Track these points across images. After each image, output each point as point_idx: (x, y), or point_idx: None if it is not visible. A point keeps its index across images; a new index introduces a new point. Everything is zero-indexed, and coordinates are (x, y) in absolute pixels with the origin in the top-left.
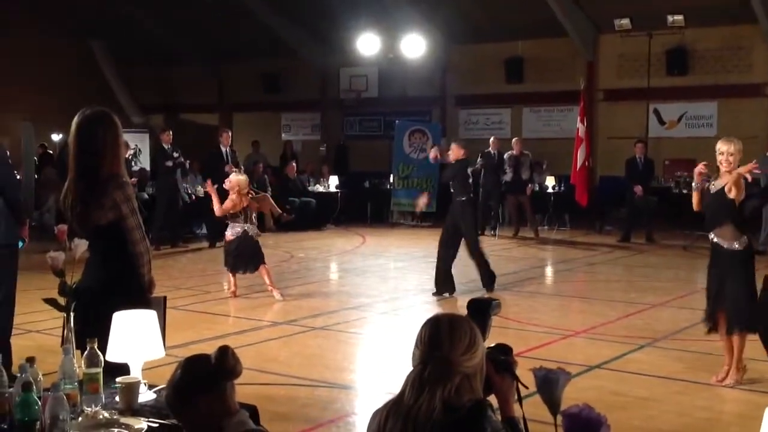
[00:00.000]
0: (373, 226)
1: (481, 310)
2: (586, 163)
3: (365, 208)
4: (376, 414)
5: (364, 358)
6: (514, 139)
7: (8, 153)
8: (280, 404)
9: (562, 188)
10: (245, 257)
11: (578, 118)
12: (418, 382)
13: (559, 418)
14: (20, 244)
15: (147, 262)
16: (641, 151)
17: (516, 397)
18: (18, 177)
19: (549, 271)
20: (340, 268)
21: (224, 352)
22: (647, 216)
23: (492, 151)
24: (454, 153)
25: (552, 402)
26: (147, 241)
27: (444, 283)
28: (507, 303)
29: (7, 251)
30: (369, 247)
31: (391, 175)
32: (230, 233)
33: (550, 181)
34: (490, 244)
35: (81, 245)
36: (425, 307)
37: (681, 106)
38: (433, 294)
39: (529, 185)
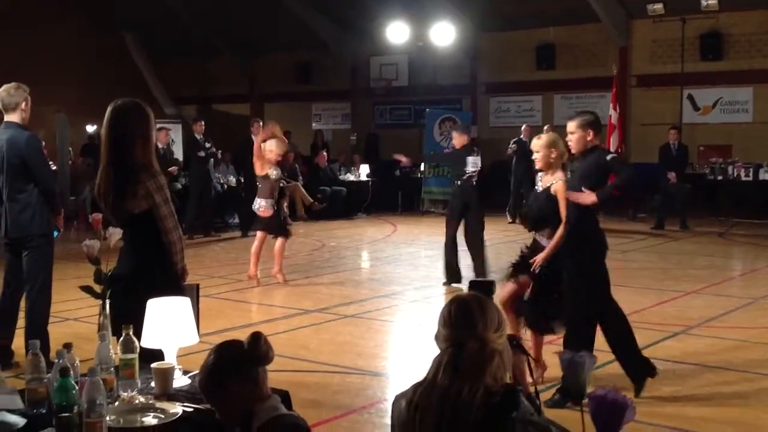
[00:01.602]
0: (403, 215)
1: (485, 292)
2: (619, 150)
3: (396, 197)
4: (401, 398)
5: (395, 345)
6: (545, 127)
7: (43, 144)
8: (312, 391)
9: None
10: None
11: (611, 105)
12: (453, 364)
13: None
14: (55, 233)
15: (180, 251)
16: (675, 138)
17: (529, 371)
18: (54, 168)
19: None
20: (372, 256)
21: (257, 337)
22: (681, 203)
23: (524, 139)
24: (458, 140)
25: (578, 385)
26: (180, 230)
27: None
28: None
29: (43, 240)
30: (400, 235)
31: (422, 164)
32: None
33: None
34: (521, 231)
35: (116, 233)
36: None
37: (716, 92)
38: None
39: None
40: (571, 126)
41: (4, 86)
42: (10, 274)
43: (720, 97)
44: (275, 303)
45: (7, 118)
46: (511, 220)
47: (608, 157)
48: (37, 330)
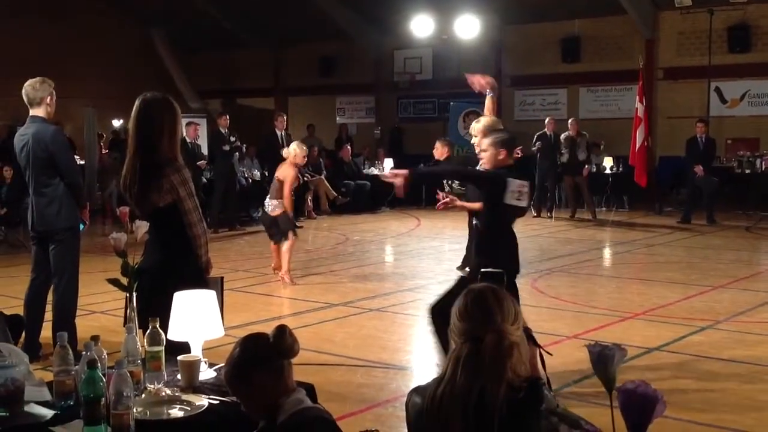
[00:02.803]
0: (428, 209)
1: (496, 282)
2: (646, 143)
3: (420, 191)
4: (417, 394)
5: (419, 339)
6: (570, 120)
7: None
8: (336, 385)
9: (621, 169)
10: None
11: (637, 98)
12: (472, 359)
13: (615, 394)
14: (81, 226)
15: (204, 244)
16: (702, 131)
17: (540, 362)
18: (81, 162)
19: (607, 252)
20: (396, 250)
21: (282, 331)
22: (708, 196)
23: (548, 132)
24: (439, 152)
25: (607, 378)
26: (204, 224)
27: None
28: (564, 285)
29: (69, 233)
30: (424, 229)
31: None
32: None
33: (608, 162)
34: (546, 225)
35: (142, 227)
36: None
37: (743, 84)
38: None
39: (586, 166)
40: (484, 143)
41: (30, 81)
42: (37, 265)
43: (748, 90)
44: (299, 297)
45: (33, 112)
46: (535, 214)
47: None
48: (65, 322)
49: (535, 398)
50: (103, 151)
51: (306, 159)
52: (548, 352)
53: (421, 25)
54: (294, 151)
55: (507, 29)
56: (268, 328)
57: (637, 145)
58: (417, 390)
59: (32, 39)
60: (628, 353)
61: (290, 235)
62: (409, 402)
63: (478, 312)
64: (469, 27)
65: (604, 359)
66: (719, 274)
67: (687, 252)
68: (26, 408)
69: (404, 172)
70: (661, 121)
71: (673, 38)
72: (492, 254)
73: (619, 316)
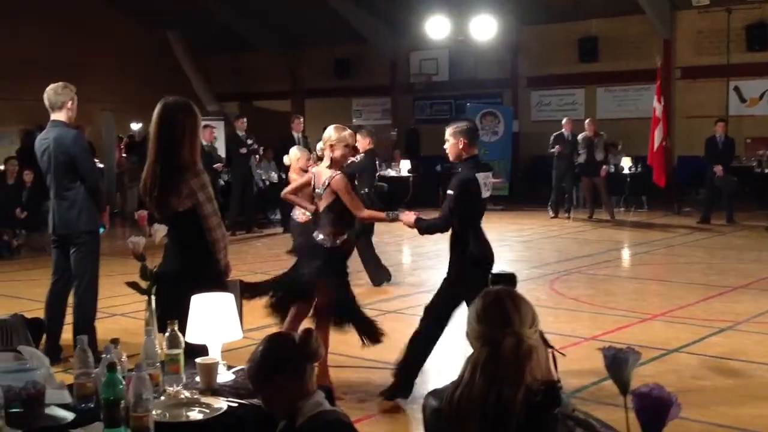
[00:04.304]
0: None
1: (508, 285)
2: (664, 143)
3: (437, 192)
4: (433, 397)
5: (443, 339)
6: (586, 120)
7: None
8: (354, 387)
9: (639, 169)
10: None
11: (655, 98)
12: (491, 363)
13: (629, 397)
14: (101, 229)
15: (223, 248)
16: (722, 130)
17: (553, 363)
18: (101, 165)
19: (625, 253)
20: (413, 252)
21: (309, 335)
22: (728, 196)
23: (565, 133)
24: (361, 144)
25: (621, 381)
26: (223, 227)
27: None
28: (582, 286)
29: (89, 237)
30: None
31: None
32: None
33: (626, 162)
34: (564, 226)
35: (161, 230)
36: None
37: (763, 83)
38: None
39: (604, 167)
40: (447, 133)
41: (51, 85)
42: (58, 268)
43: (767, 89)
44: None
45: (54, 116)
46: (553, 215)
47: (457, 177)
48: (85, 325)
49: (553, 402)
50: (122, 155)
51: (309, 162)
52: (561, 353)
53: (436, 27)
54: (295, 156)
55: (524, 30)
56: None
57: (656, 145)
58: (434, 393)
59: (50, 44)
60: (646, 355)
61: None
62: (426, 405)
63: (495, 315)
64: (485, 28)
65: (618, 363)
66: (739, 274)
67: (706, 252)
68: (47, 410)
69: (411, 221)
70: (680, 121)
71: (691, 37)
72: (468, 248)
73: (638, 317)
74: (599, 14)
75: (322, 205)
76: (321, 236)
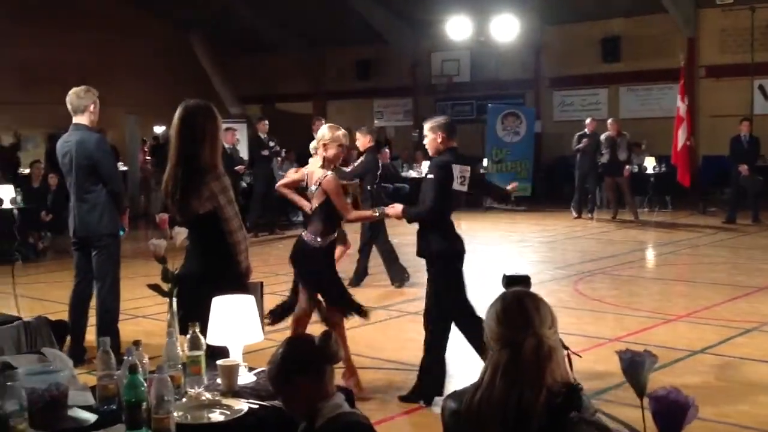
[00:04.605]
0: (466, 211)
1: (522, 285)
2: (688, 143)
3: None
4: (452, 399)
5: (458, 342)
6: (609, 120)
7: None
8: (375, 388)
9: (663, 169)
10: None
11: (678, 97)
12: (511, 365)
13: (646, 400)
14: (121, 232)
15: (244, 251)
16: (747, 129)
17: (569, 365)
18: (125, 168)
19: (650, 254)
20: None
21: (328, 336)
22: (753, 196)
23: (588, 133)
24: (361, 143)
25: (638, 385)
26: (244, 230)
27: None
28: (606, 287)
29: (110, 239)
30: (464, 231)
31: (485, 159)
32: None
33: (650, 162)
34: (587, 227)
35: (181, 233)
36: (530, 291)
37: None
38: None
39: (627, 167)
40: (425, 129)
41: (74, 89)
42: (80, 270)
43: None
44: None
45: (76, 120)
46: (576, 216)
47: (433, 161)
48: (108, 327)
49: (574, 404)
50: (146, 158)
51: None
52: (578, 354)
53: (458, 27)
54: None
55: (546, 30)
56: (308, 332)
57: (679, 145)
58: (453, 395)
59: (73, 47)
60: (670, 356)
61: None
62: (445, 407)
63: (515, 317)
64: (507, 28)
65: (635, 366)
66: (765, 274)
67: (732, 253)
68: (70, 412)
69: (399, 212)
70: (704, 120)
71: (714, 36)
72: (437, 239)
73: (662, 318)
74: (622, 13)
75: (314, 203)
76: (309, 236)
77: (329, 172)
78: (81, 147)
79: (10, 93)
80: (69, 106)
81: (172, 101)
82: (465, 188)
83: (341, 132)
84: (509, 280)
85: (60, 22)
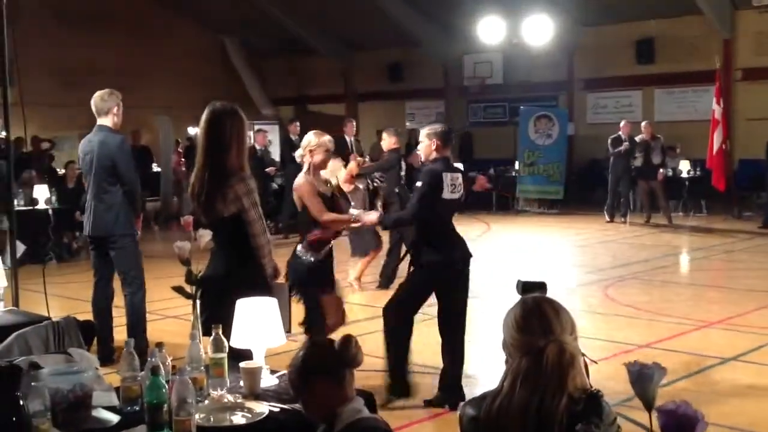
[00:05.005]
0: (498, 214)
1: (539, 291)
2: (723, 146)
3: (490, 195)
4: (470, 406)
5: (484, 346)
6: (643, 123)
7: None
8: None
9: (698, 172)
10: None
11: (714, 99)
12: (533, 372)
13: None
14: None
15: (267, 254)
16: None
17: (585, 370)
18: (158, 169)
19: (683, 259)
20: None
21: (348, 341)
22: None
23: (622, 136)
24: (386, 143)
25: (646, 397)
26: (267, 234)
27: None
28: (637, 292)
29: (127, 240)
30: (493, 234)
31: (517, 162)
32: None
33: (684, 166)
34: (620, 231)
35: (205, 235)
36: (552, 296)
37: None
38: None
39: (661, 170)
40: (421, 134)
41: (98, 92)
42: (98, 270)
43: None
44: (367, 302)
45: (100, 121)
46: (609, 219)
47: (424, 169)
48: (134, 326)
49: (593, 411)
50: (181, 160)
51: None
52: (593, 361)
53: (491, 29)
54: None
55: (579, 31)
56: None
57: (715, 148)
58: (471, 402)
59: (109, 49)
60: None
61: (371, 251)
62: (463, 414)
63: (536, 324)
64: (541, 29)
65: (643, 378)
66: None
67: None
68: (94, 413)
69: (374, 220)
70: (740, 123)
71: (751, 38)
72: (429, 250)
73: (694, 324)
74: (657, 15)
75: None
76: (301, 248)
77: (303, 176)
78: (103, 147)
79: (47, 94)
80: (93, 108)
81: (206, 103)
82: (457, 196)
83: (327, 138)
84: (525, 287)
85: (97, 25)
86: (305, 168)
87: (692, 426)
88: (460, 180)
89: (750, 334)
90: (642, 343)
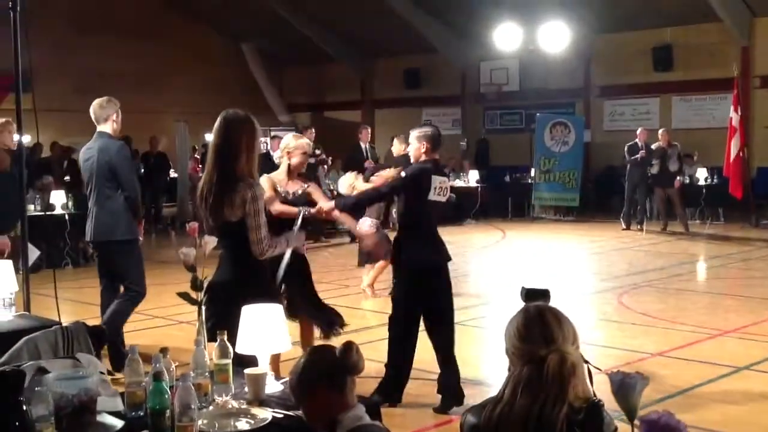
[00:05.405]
0: (513, 221)
1: (542, 299)
2: (741, 154)
3: (506, 203)
4: (471, 414)
5: (496, 354)
6: (660, 130)
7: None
8: (411, 398)
9: (715, 180)
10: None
11: (732, 107)
12: (534, 381)
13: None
14: None
15: (267, 256)
16: None
17: (589, 378)
18: (175, 175)
19: (699, 267)
20: (478, 262)
21: (349, 347)
22: None
23: (639, 143)
24: (396, 149)
25: (628, 407)
26: (265, 242)
27: None
28: (652, 300)
29: (128, 246)
30: (509, 241)
31: (533, 169)
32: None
33: (701, 173)
34: (636, 239)
35: (210, 242)
36: (566, 304)
37: None
38: None
39: (678, 178)
40: (411, 136)
41: (96, 100)
42: (102, 276)
43: None
44: (380, 309)
45: (100, 128)
46: (625, 227)
47: (403, 173)
48: (113, 328)
49: (595, 420)
50: (198, 165)
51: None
52: (598, 369)
53: (507, 36)
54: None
55: (596, 38)
56: (338, 341)
57: (732, 156)
58: (472, 410)
59: (127, 56)
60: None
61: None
62: (464, 422)
63: (538, 332)
64: (557, 36)
65: (625, 388)
66: None
67: None
68: (98, 418)
69: (330, 205)
70: (758, 131)
71: None
72: (416, 250)
73: (708, 333)
74: (674, 22)
75: None
76: None
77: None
78: (102, 153)
79: (66, 100)
80: (92, 116)
81: (223, 109)
82: (443, 199)
83: (305, 141)
84: (528, 294)
85: (116, 32)
86: (284, 169)
87: None
88: (447, 184)
89: (765, 343)
90: (655, 351)
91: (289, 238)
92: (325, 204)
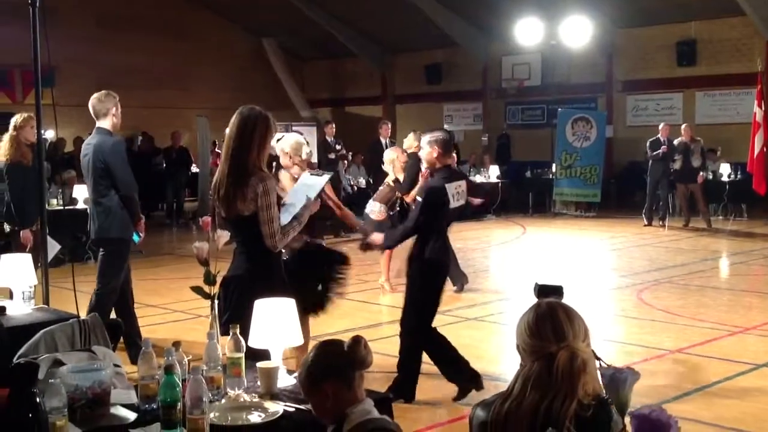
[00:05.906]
0: (534, 216)
1: (556, 295)
2: (765, 150)
3: (527, 198)
4: (481, 408)
5: (515, 350)
6: (683, 126)
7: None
8: (429, 393)
9: (739, 176)
10: None
11: (755, 102)
12: (544, 377)
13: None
14: (135, 238)
15: (279, 247)
16: None
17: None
18: (196, 170)
19: (721, 263)
20: (498, 258)
21: (357, 342)
22: None
23: (661, 138)
24: (407, 146)
25: (619, 402)
26: (276, 238)
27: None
28: (672, 297)
29: (122, 245)
30: (529, 237)
31: (554, 165)
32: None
33: (725, 169)
34: (657, 235)
35: (223, 236)
36: (585, 300)
37: None
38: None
39: (701, 173)
40: (422, 141)
41: (95, 94)
42: None
43: None
44: (398, 304)
45: (99, 124)
46: (647, 223)
47: (425, 186)
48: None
49: (601, 418)
50: (218, 161)
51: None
52: (608, 365)
53: (529, 31)
54: (390, 158)
55: (619, 33)
56: (365, 336)
57: (756, 151)
58: (481, 405)
59: (149, 52)
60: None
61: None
62: (473, 417)
63: (549, 329)
64: (579, 31)
65: (615, 383)
66: None
67: None
68: (112, 410)
69: (379, 241)
70: None
71: None
72: (428, 252)
73: (728, 330)
74: (698, 16)
75: None
76: None
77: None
78: (98, 150)
79: (90, 95)
80: (91, 110)
81: (244, 104)
82: (463, 201)
83: (305, 148)
84: (541, 290)
85: (140, 28)
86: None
87: (665, 430)
88: (464, 186)
89: None
90: (674, 348)
91: (299, 216)
92: (375, 236)
